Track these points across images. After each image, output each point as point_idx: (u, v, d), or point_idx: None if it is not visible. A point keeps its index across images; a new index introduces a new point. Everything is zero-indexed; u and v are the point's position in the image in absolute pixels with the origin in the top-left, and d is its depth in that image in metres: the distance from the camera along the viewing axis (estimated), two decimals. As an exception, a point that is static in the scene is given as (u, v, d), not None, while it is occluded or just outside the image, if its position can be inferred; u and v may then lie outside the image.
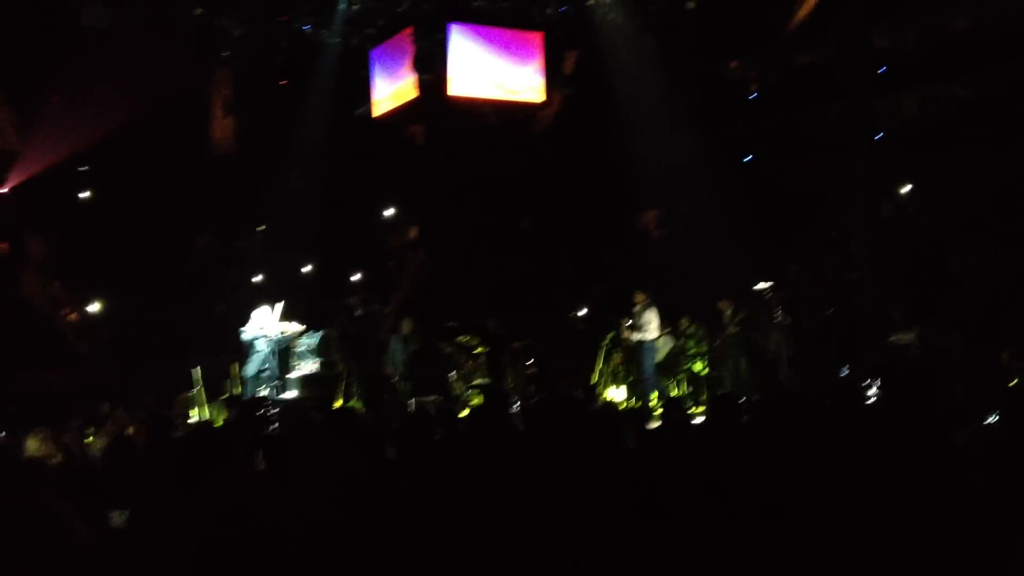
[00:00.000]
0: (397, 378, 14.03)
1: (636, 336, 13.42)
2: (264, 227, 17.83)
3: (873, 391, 8.19)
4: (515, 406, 10.96)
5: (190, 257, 17.04)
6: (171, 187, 15.85)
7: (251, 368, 13.26)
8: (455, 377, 14.22)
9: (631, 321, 13.53)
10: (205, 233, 17.53)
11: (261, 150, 16.41)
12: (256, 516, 4.20)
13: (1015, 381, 7.74)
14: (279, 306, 13.58)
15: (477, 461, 5.38)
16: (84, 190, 16.61)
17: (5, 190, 15.16)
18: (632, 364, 13.81)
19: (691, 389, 14.08)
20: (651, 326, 13.38)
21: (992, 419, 5.18)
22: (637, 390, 13.57)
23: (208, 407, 13.37)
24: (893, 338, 12.13)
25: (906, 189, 15.01)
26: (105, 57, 13.96)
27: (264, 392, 12.99)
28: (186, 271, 16.57)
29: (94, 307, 15.69)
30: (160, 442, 6.34)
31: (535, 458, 5.25)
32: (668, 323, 14.62)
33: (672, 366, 14.39)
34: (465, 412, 12.23)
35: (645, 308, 13.43)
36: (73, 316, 15.85)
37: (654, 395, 13.02)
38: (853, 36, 14.68)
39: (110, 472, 5.54)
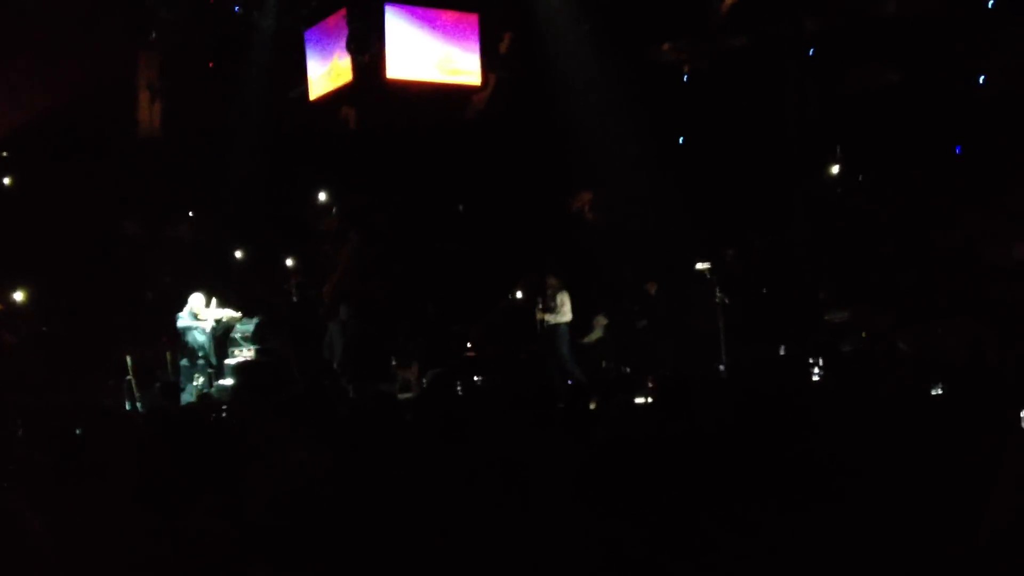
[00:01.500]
0: (336, 364, 13.92)
1: (551, 319, 13.63)
2: (194, 213, 17.51)
3: (816, 370, 8.36)
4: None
5: (118, 244, 16.67)
6: (97, 173, 15.49)
7: (186, 356, 13.07)
8: (394, 362, 14.16)
9: (543, 305, 13.75)
10: (133, 220, 17.15)
11: (190, 134, 16.09)
12: (214, 508, 4.12)
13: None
14: (213, 301, 13.39)
15: (428, 446, 5.35)
16: (5, 176, 16.16)
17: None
18: (548, 347, 13.93)
19: (629, 370, 14.21)
20: (564, 309, 13.62)
21: (937, 391, 5.30)
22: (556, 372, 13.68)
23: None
24: (827, 317, 12.36)
25: (836, 169, 15.23)
26: (27, 39, 13.56)
27: (199, 380, 12.81)
28: (114, 259, 16.21)
29: (19, 297, 15.29)
30: (101, 432, 6.20)
31: (483, 442, 5.22)
32: (604, 305, 14.79)
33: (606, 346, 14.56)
34: (406, 396, 12.23)
35: (557, 292, 13.67)
36: (-3, 307, 15.44)
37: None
38: (784, 19, 14.92)
39: (54, 464, 5.41)
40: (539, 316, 13.80)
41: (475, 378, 13.22)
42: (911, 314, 11.69)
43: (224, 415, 8.74)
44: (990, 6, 13.73)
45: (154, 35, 14.96)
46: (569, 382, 12.80)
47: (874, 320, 11.77)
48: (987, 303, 11.38)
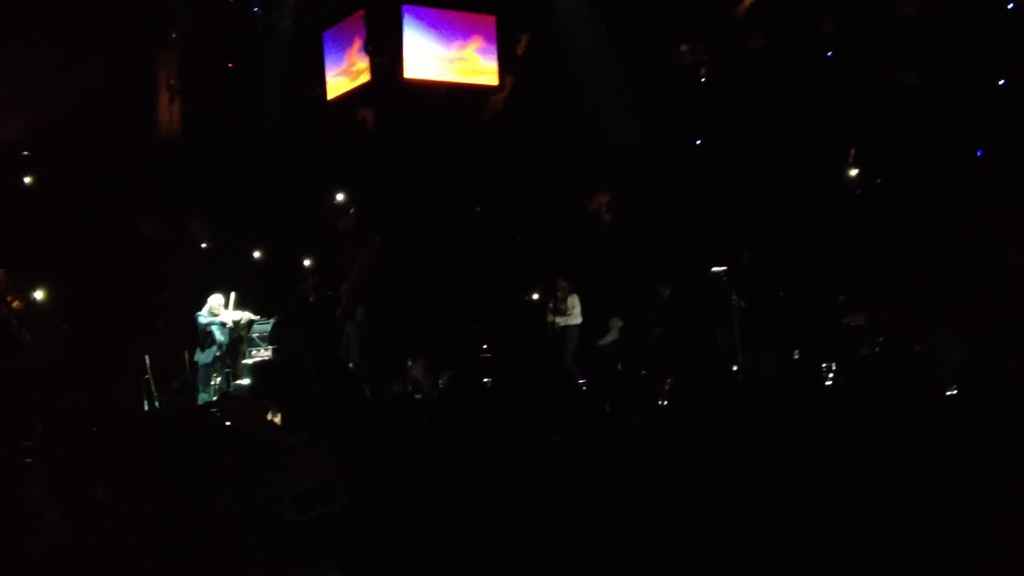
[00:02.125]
0: (352, 365, 13.95)
1: (561, 321, 13.69)
2: (212, 213, 17.57)
3: (830, 375, 8.33)
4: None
5: (137, 244, 16.74)
6: (117, 172, 15.57)
7: (204, 355, 13.13)
8: (411, 363, 14.19)
9: (553, 307, 13.81)
10: (152, 219, 17.22)
11: (209, 134, 16.17)
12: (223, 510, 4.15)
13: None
14: (232, 296, 13.46)
15: (440, 447, 5.35)
16: (26, 175, 16.25)
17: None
18: (558, 349, 13.96)
19: (645, 373, 14.17)
20: (574, 311, 13.69)
21: (951, 392, 5.28)
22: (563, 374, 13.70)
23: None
24: (846, 320, 12.32)
25: (855, 171, 15.18)
26: (49, 39, 13.65)
27: (217, 380, 12.87)
28: (133, 258, 16.28)
29: (38, 294, 15.37)
30: (120, 431, 6.24)
31: (503, 445, 5.22)
32: (619, 307, 14.79)
33: (622, 348, 14.56)
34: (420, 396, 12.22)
35: (567, 294, 13.74)
36: (17, 304, 15.51)
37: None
38: (802, 20, 14.89)
39: (71, 462, 5.45)
40: (550, 318, 13.86)
41: (487, 379, 13.22)
42: (929, 317, 11.63)
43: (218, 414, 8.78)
44: (1009, 8, 13.67)
45: (174, 35, 15.07)
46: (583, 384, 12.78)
47: (892, 323, 11.73)
48: (1006, 306, 11.32)
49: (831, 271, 13.91)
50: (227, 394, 12.49)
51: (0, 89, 14.34)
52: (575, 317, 13.81)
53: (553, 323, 13.86)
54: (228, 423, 6.63)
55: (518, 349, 15.10)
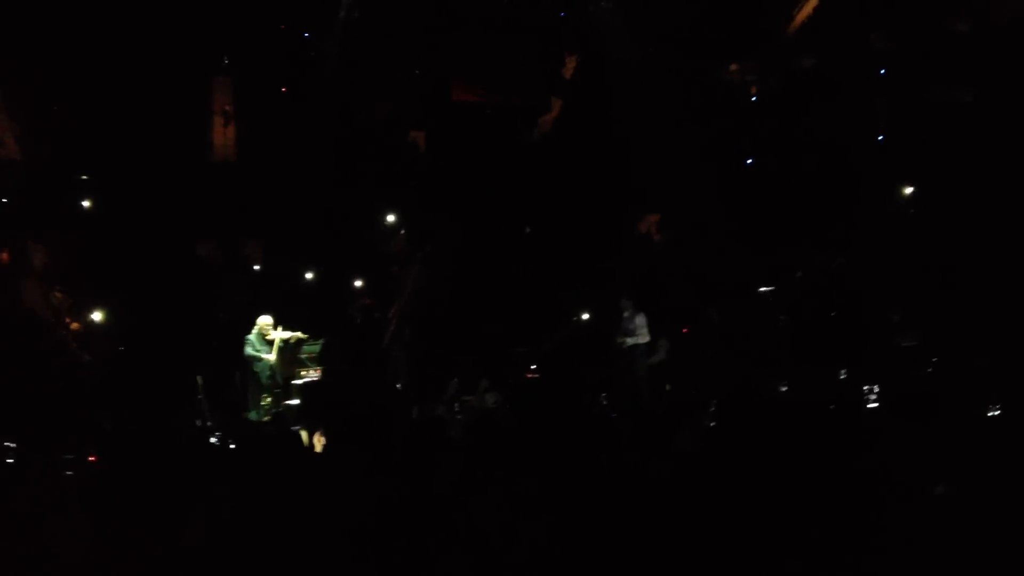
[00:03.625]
0: (400, 386, 14.01)
1: (629, 341, 13.66)
2: (266, 235, 17.79)
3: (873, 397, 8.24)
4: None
5: (192, 265, 16.99)
6: (172, 195, 15.83)
7: (254, 376, 13.27)
8: (456, 384, 14.21)
9: (621, 327, 13.78)
10: (206, 241, 17.48)
11: (262, 157, 16.39)
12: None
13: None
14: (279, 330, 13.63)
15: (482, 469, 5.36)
16: (85, 198, 16.58)
17: (5, 200, 15.13)
18: (625, 368, 13.92)
19: (694, 393, 14.08)
20: (642, 330, 13.65)
21: (994, 412, 5.18)
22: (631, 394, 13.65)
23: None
24: (898, 341, 12.14)
25: (908, 191, 14.98)
26: (105, 64, 13.96)
27: (267, 400, 13.01)
28: (188, 279, 16.52)
29: (96, 316, 15.64)
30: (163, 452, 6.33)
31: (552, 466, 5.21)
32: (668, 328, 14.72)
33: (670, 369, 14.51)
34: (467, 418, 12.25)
35: (634, 313, 13.69)
36: (75, 325, 15.80)
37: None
38: (853, 39, 14.77)
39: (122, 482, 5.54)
40: (619, 339, 13.84)
41: (536, 399, 13.22)
42: (982, 337, 11.43)
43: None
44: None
45: (227, 61, 15.35)
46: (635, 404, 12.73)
47: (944, 343, 11.54)
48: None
49: (884, 291, 13.70)
50: (280, 414, 12.62)
51: (59, 115, 14.69)
52: (643, 336, 13.83)
53: (623, 342, 13.87)
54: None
55: (567, 370, 15.07)
